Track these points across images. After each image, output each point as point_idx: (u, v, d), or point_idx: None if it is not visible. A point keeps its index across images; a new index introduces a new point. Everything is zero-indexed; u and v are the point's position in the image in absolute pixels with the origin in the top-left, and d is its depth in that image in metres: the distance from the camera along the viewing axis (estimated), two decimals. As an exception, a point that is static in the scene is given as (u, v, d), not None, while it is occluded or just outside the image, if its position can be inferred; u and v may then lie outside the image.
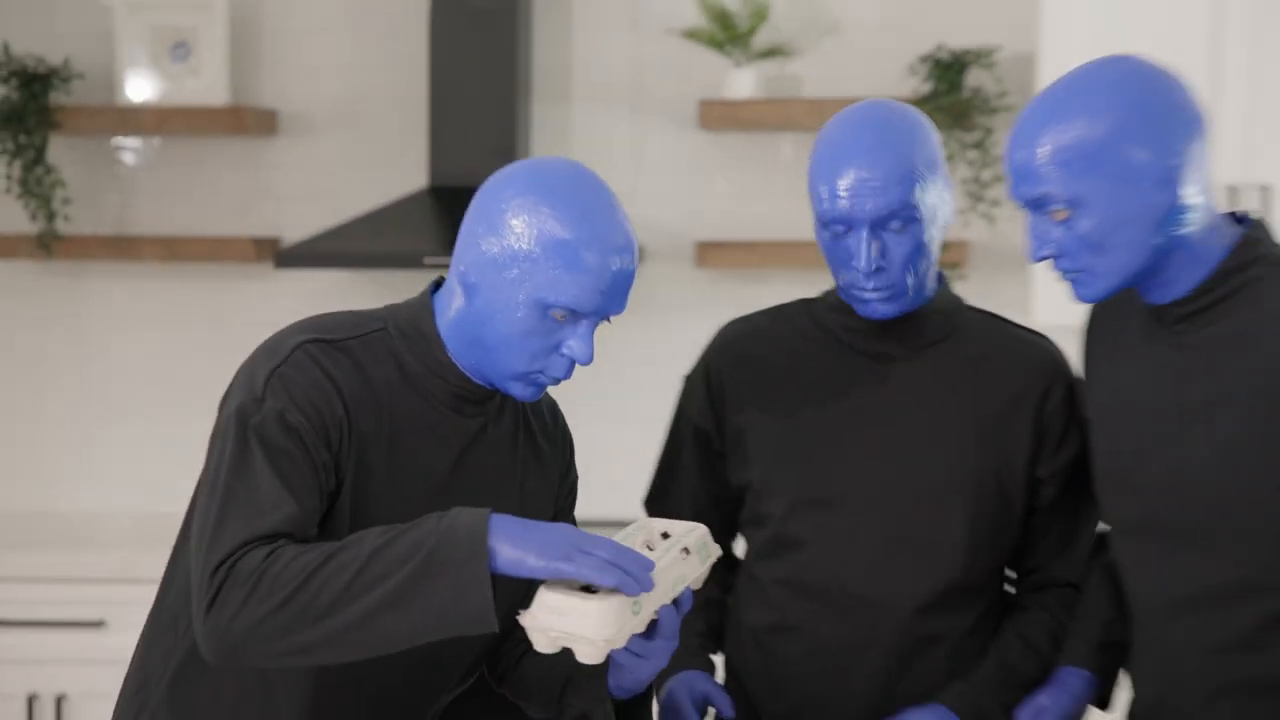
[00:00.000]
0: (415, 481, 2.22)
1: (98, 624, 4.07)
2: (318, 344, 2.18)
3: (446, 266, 3.97)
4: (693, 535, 2.18)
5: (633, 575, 2.04)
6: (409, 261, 4.18)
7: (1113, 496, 2.39)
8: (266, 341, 2.21)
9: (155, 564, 3.85)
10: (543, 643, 2.04)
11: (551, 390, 2.32)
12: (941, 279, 2.52)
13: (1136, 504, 2.34)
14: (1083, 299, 2.28)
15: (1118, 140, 2.18)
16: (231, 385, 2.19)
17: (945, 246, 3.33)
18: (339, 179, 4.62)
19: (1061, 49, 3.96)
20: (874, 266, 2.36)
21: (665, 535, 2.20)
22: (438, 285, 2.29)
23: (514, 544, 2.03)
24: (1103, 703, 2.52)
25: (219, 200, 4.64)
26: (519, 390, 2.20)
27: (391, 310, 2.28)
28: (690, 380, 2.62)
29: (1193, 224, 2.22)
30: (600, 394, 4.11)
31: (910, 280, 2.41)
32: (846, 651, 2.46)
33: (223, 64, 4.47)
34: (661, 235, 4.62)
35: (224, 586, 2.02)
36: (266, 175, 4.64)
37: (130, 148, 4.65)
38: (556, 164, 2.22)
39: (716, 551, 2.22)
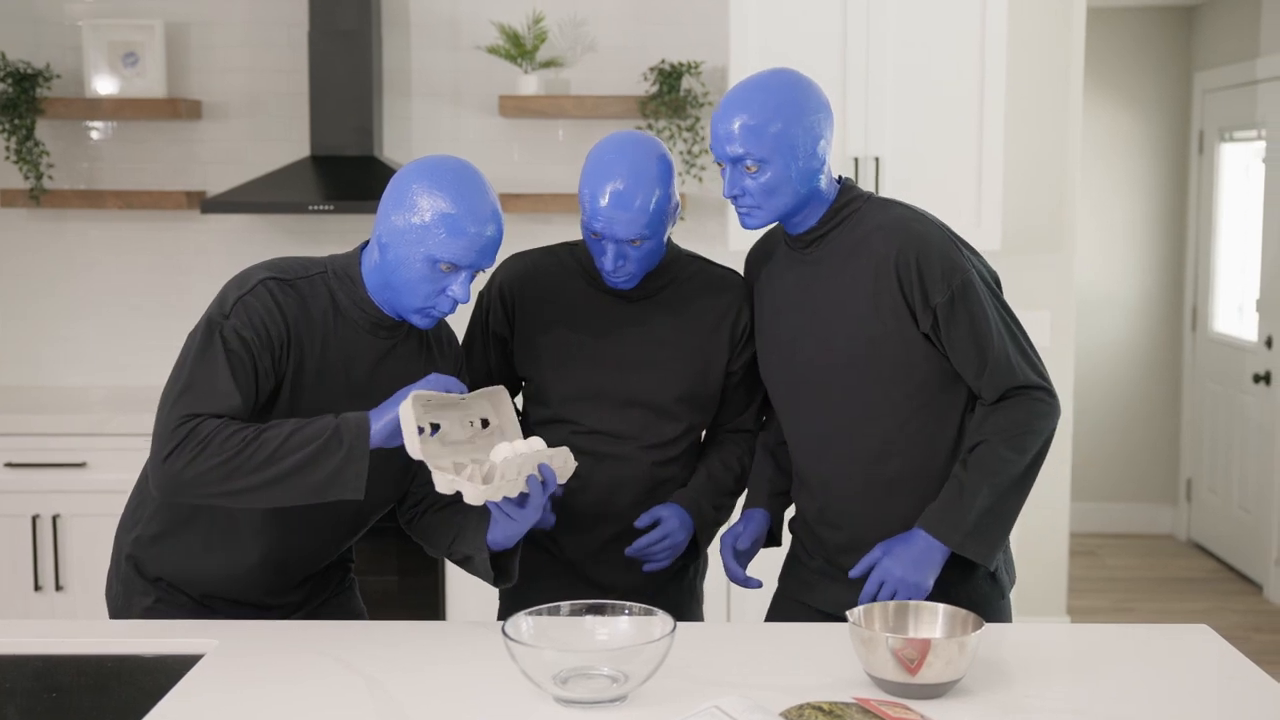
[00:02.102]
0: (340, 383, 2.19)
1: (81, 465, 4.11)
2: (275, 281, 2.14)
3: (325, 212, 4.15)
4: (555, 450, 2.14)
5: (446, 387, 2.09)
6: (297, 208, 4.17)
7: (774, 368, 2.42)
8: (238, 274, 2.18)
9: (122, 421, 4.05)
10: (443, 485, 2.04)
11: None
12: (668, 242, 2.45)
13: (791, 371, 2.38)
14: (749, 227, 2.30)
15: (785, 122, 2.23)
16: (215, 299, 2.15)
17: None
18: (246, 149, 4.62)
19: (744, 62, 4.10)
20: (615, 266, 2.34)
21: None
22: (365, 246, 2.24)
23: (379, 418, 2.06)
24: (775, 540, 2.54)
25: (161, 165, 4.64)
26: (418, 320, 2.17)
27: (331, 259, 2.23)
28: (487, 297, 2.49)
29: (822, 180, 2.30)
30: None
31: (644, 268, 2.38)
32: (605, 486, 2.44)
33: (161, 67, 4.49)
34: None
35: (182, 443, 2.02)
36: (195, 147, 4.64)
37: (96, 128, 4.64)
38: (448, 160, 2.16)
39: (573, 464, 2.16)
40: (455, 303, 2.15)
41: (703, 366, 2.46)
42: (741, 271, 2.54)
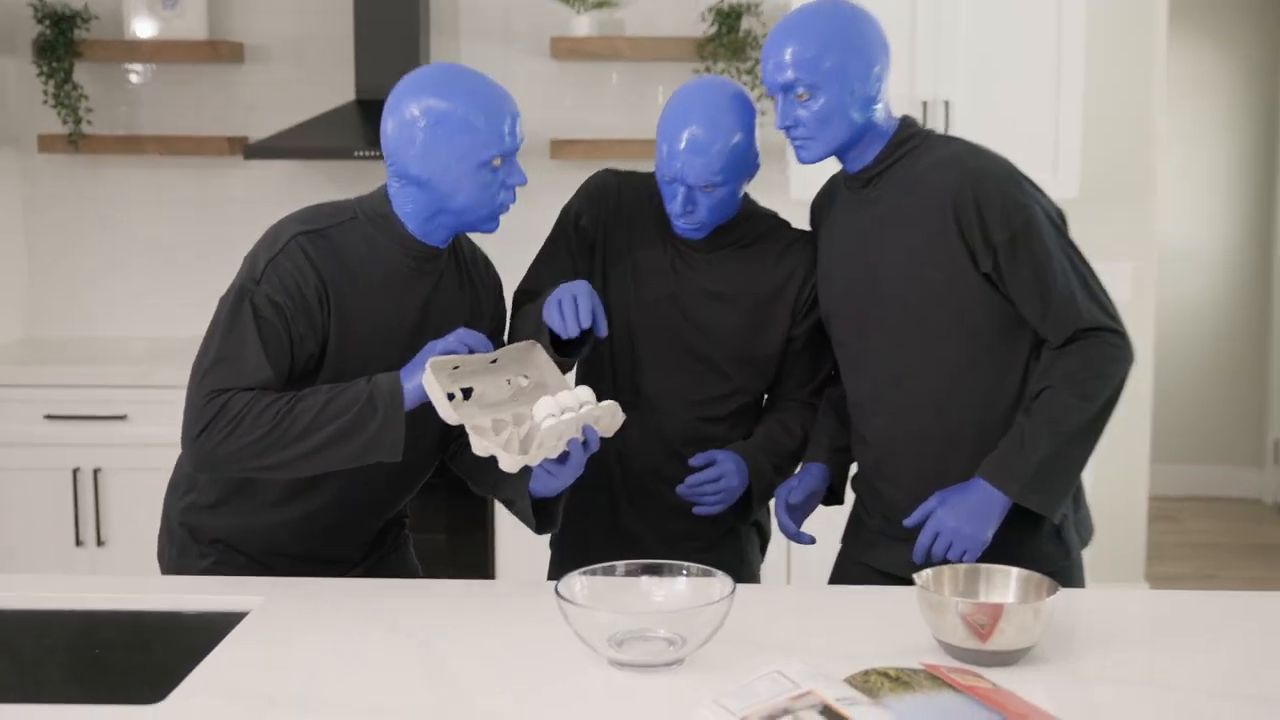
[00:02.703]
0: (390, 327, 2.21)
1: (122, 418, 4.17)
2: (306, 235, 2.15)
3: (370, 157, 4.20)
4: (603, 405, 2.16)
5: (468, 345, 2.13)
6: (341, 154, 4.19)
7: (836, 316, 2.43)
8: (268, 231, 2.19)
9: (164, 373, 4.12)
10: (479, 448, 2.07)
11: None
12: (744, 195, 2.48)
13: (853, 317, 2.39)
14: (804, 160, 2.32)
15: (840, 49, 2.26)
16: (245, 261, 2.18)
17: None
18: (290, 94, 4.65)
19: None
20: (684, 211, 2.38)
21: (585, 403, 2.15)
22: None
23: (411, 377, 2.09)
24: (837, 497, 2.56)
25: (202, 109, 4.67)
26: (491, 226, 2.21)
27: (359, 201, 2.24)
28: (583, 198, 2.51)
29: (879, 113, 2.32)
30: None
31: (714, 219, 2.42)
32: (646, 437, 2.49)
33: (202, 8, 4.51)
34: (525, 136, 4.76)
35: (214, 420, 2.06)
36: (237, 91, 4.67)
37: (135, 71, 4.67)
38: (425, 71, 2.19)
39: (621, 418, 2.18)
40: (515, 189, 2.21)
41: (760, 327, 2.50)
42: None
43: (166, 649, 2.14)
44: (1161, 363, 6.51)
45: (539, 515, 2.28)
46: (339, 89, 4.63)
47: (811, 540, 2.48)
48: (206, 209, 4.74)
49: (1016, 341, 2.34)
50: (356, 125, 4.33)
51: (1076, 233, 2.41)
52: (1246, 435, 6.73)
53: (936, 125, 4.20)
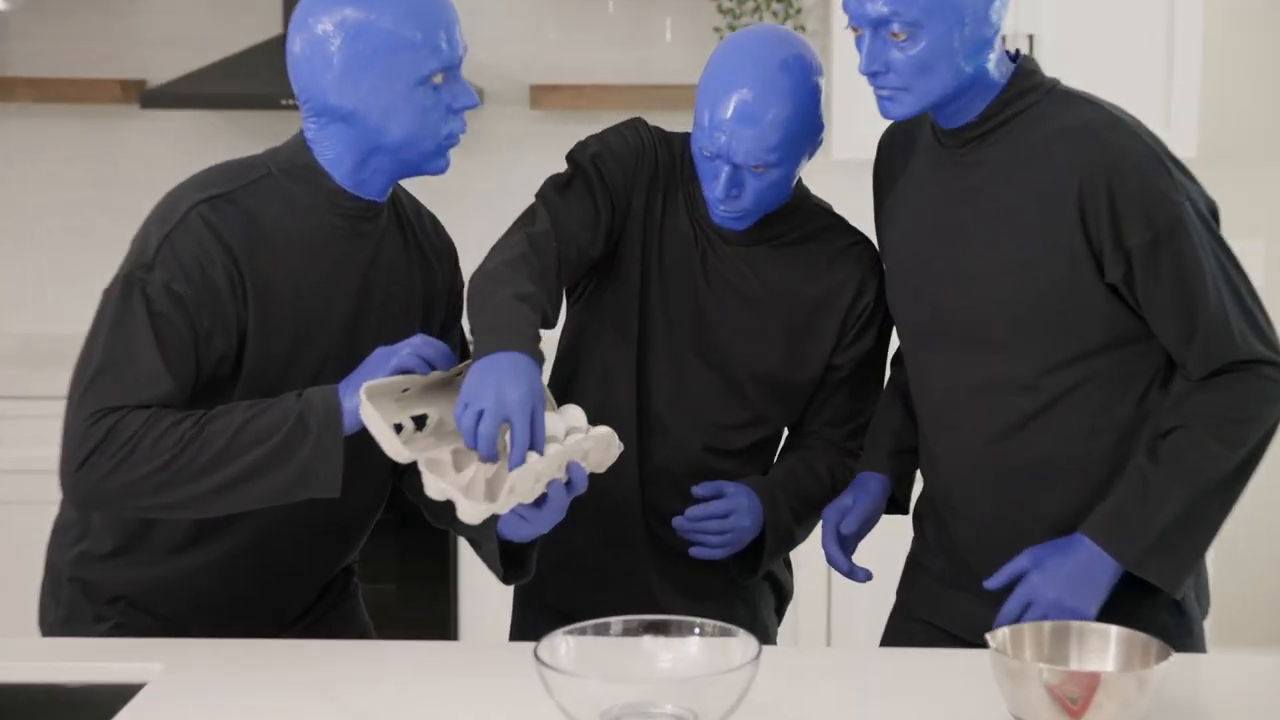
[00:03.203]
0: (324, 303, 2.23)
1: None
2: (207, 203, 2.15)
3: (297, 107, 4.24)
4: (595, 433, 2.17)
5: (426, 359, 2.14)
6: (266, 103, 4.24)
7: (905, 305, 2.44)
8: (160, 202, 2.19)
9: (40, 381, 4.09)
10: (434, 491, 2.06)
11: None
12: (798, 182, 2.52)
13: (926, 310, 2.38)
14: (891, 116, 2.30)
15: None
16: (134, 242, 2.17)
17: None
18: (199, 26, 4.65)
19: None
20: (727, 195, 2.40)
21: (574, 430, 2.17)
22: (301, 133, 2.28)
23: (352, 392, 2.09)
24: (899, 507, 2.59)
25: (88, 46, 4.66)
26: (438, 164, 2.23)
27: (271, 154, 2.27)
28: (635, 139, 2.51)
29: (991, 59, 2.29)
30: (443, 221, 4.22)
31: (762, 205, 2.44)
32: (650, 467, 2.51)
33: None
34: (498, 79, 4.62)
35: (100, 447, 2.06)
36: (133, 21, 4.66)
37: None
38: None
39: (617, 450, 2.20)
40: (464, 112, 2.22)
41: (796, 346, 2.52)
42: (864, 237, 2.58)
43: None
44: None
45: (508, 563, 2.29)
46: (262, 21, 4.63)
47: (867, 576, 2.49)
48: (94, 172, 4.74)
49: (1138, 360, 2.33)
50: (282, 66, 4.22)
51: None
52: None
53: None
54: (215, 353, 2.15)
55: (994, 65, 2.30)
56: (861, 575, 2.49)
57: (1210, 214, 2.31)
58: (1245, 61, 4.70)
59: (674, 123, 2.67)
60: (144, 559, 2.31)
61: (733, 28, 4.40)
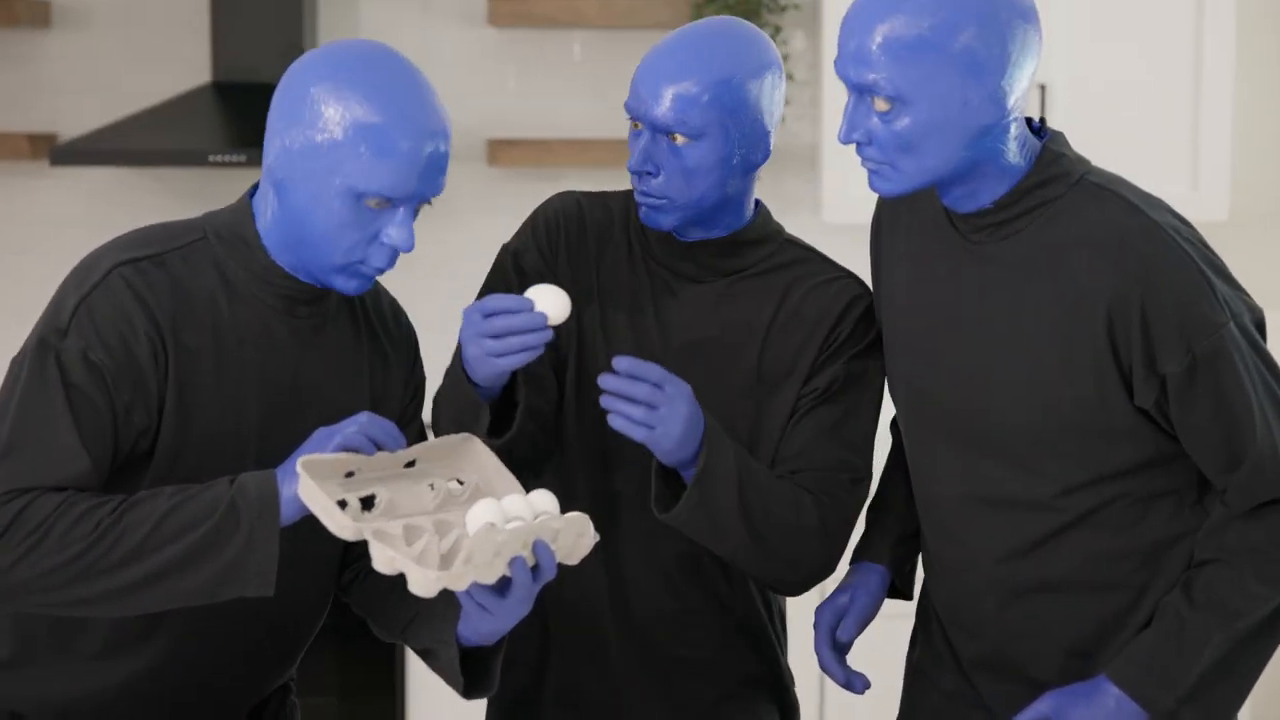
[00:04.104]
0: (251, 391, 2.22)
1: None
2: (131, 265, 2.15)
3: (231, 164, 4.15)
4: (567, 516, 2.15)
5: (373, 439, 2.12)
6: (193, 159, 4.22)
7: (908, 399, 2.43)
8: (80, 263, 2.18)
9: None
10: (382, 563, 2.06)
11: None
12: (758, 207, 2.51)
13: (932, 409, 2.38)
14: (879, 191, 2.26)
15: (951, 27, 2.14)
16: (49, 306, 2.17)
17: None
18: (118, 73, 4.68)
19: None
20: (640, 166, 2.40)
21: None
22: (255, 190, 2.28)
23: (290, 482, 2.10)
24: (903, 594, 2.61)
25: None
26: (342, 283, 2.20)
27: (209, 217, 2.26)
28: (555, 215, 2.55)
29: (1009, 140, 2.23)
30: (392, 292, 4.27)
31: (686, 196, 2.41)
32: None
33: None
34: (453, 134, 4.81)
35: (4, 534, 2.05)
36: (41, 68, 4.69)
37: None
38: (357, 45, 2.19)
39: (591, 539, 2.18)
40: (394, 253, 2.19)
41: (767, 396, 2.48)
42: (857, 272, 2.55)
43: None
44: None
45: (469, 672, 2.26)
46: (188, 68, 4.67)
47: (865, 685, 2.48)
48: (-2, 234, 4.63)
49: (1170, 477, 2.31)
50: (213, 118, 4.38)
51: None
52: None
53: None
54: (135, 429, 2.13)
55: (1011, 147, 2.24)
56: (860, 685, 2.48)
57: (1256, 326, 2.29)
58: (1278, 116, 4.72)
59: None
60: (52, 668, 2.27)
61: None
